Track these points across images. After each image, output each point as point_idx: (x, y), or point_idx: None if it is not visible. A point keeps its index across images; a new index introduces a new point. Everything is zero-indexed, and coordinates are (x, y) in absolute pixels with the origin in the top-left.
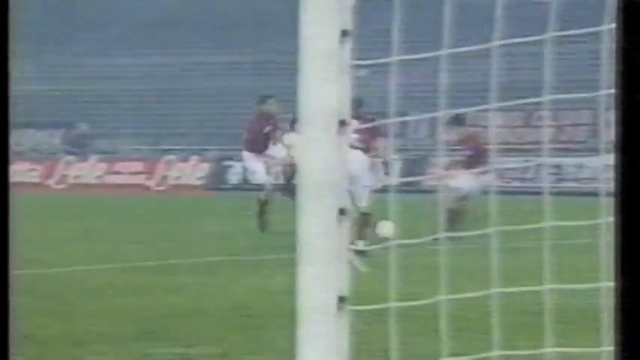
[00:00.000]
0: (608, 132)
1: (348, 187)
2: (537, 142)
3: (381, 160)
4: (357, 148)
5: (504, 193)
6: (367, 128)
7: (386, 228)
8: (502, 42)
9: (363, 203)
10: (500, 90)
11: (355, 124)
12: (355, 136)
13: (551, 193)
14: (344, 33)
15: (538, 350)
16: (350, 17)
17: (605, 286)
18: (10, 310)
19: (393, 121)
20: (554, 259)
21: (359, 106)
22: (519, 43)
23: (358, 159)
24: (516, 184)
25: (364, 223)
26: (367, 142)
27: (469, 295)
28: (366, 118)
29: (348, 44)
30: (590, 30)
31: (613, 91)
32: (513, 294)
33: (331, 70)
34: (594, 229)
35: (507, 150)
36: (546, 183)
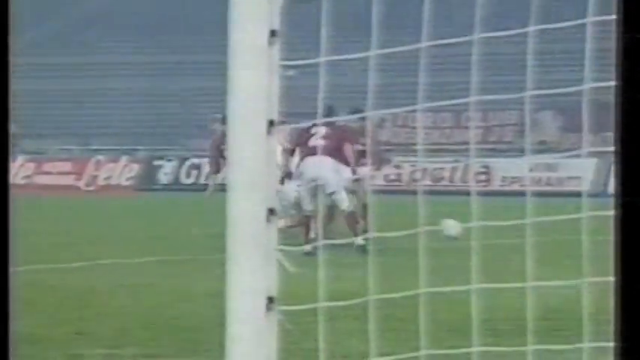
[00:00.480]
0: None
1: (331, 192)
2: (466, 143)
3: (349, 163)
4: (326, 153)
5: (433, 193)
6: (335, 133)
7: (453, 227)
8: (430, 43)
9: (345, 204)
10: (429, 90)
11: (323, 130)
12: (323, 142)
13: (479, 194)
14: (273, 33)
15: (466, 349)
16: (279, 17)
17: (531, 285)
18: (10, 310)
19: (323, 120)
20: (484, 258)
21: (329, 114)
22: (448, 44)
23: (327, 164)
24: (445, 183)
25: (353, 221)
26: (336, 147)
27: (399, 294)
28: (334, 124)
29: (277, 44)
30: (518, 31)
31: (538, 92)
32: (444, 293)
33: (260, 69)
34: (521, 229)
35: (436, 150)
36: (473, 183)
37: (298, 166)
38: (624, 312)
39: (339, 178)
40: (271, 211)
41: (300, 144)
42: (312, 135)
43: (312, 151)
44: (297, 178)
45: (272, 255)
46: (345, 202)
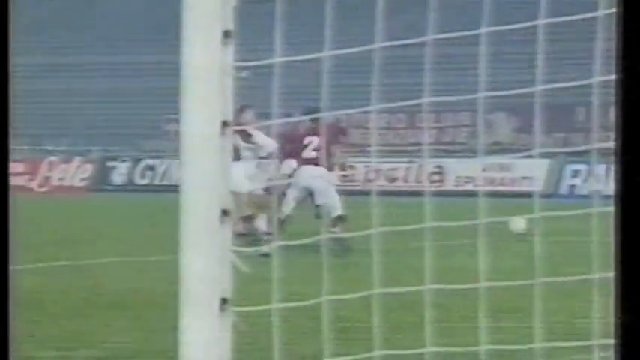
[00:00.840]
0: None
1: (322, 203)
2: (420, 143)
3: (340, 170)
4: (318, 164)
5: (387, 194)
6: (327, 141)
7: (519, 223)
8: (383, 44)
9: (338, 212)
10: (383, 91)
11: (316, 140)
12: (315, 153)
13: (434, 194)
14: (226, 34)
15: (419, 350)
16: (232, 18)
17: (484, 285)
18: (9, 309)
19: (277, 122)
20: (436, 259)
21: (318, 119)
22: (401, 45)
23: (322, 174)
24: (399, 184)
25: (337, 225)
26: (329, 156)
27: (352, 295)
28: (321, 133)
29: (231, 45)
30: (469, 33)
31: (491, 93)
32: (398, 294)
33: (213, 71)
34: (474, 230)
35: (391, 151)
36: (427, 184)
37: (292, 175)
38: (623, 308)
39: (330, 189)
40: (224, 212)
41: (295, 154)
42: (306, 146)
43: (308, 162)
44: (292, 186)
45: (226, 255)
46: (337, 210)
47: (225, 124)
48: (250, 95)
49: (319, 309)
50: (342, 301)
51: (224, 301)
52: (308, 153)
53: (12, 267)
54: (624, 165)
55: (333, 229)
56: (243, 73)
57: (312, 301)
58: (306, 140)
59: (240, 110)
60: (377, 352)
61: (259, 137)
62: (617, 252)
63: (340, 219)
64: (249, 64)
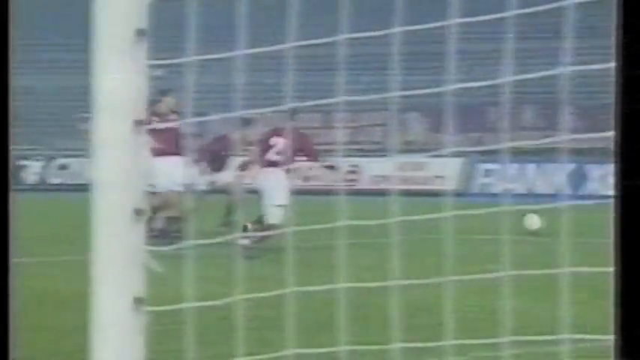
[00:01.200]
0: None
1: (266, 204)
2: (335, 142)
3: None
4: (278, 166)
5: (302, 192)
6: (292, 144)
7: (534, 220)
8: (296, 44)
9: (275, 220)
10: (297, 90)
11: (281, 142)
12: (278, 157)
13: (349, 193)
14: (139, 32)
15: (333, 348)
16: (146, 16)
17: (395, 284)
18: (9, 310)
19: (192, 120)
20: (352, 258)
21: (293, 115)
22: (313, 45)
23: (278, 177)
24: (314, 182)
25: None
26: (290, 159)
27: (265, 294)
28: (291, 134)
29: (144, 43)
30: (383, 32)
31: (404, 92)
32: (314, 292)
33: (126, 69)
34: (387, 228)
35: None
36: (342, 183)
37: (255, 177)
38: (623, 300)
39: (285, 193)
40: (137, 212)
41: (259, 155)
42: (271, 147)
43: (269, 164)
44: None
45: (139, 255)
46: (278, 218)
47: (138, 122)
48: (164, 93)
49: (234, 309)
50: (256, 300)
51: (137, 300)
52: (270, 155)
53: (12, 266)
54: (624, 165)
55: (248, 229)
56: (158, 72)
57: (225, 301)
58: (272, 142)
59: (160, 98)
60: (290, 351)
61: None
62: (617, 252)
63: (272, 226)
64: (163, 62)
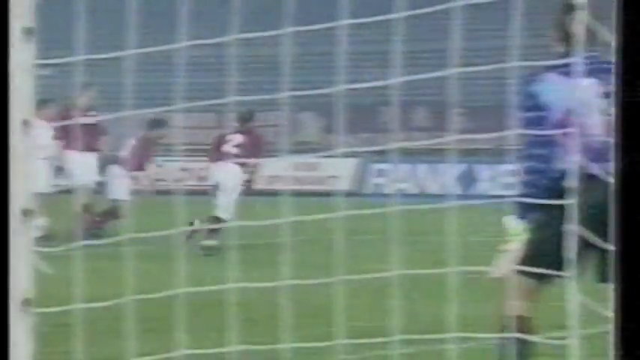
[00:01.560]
0: (297, 133)
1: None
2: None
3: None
4: (237, 161)
5: (197, 193)
6: (249, 140)
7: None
8: (185, 44)
9: (227, 214)
10: (190, 91)
11: (239, 138)
12: (235, 150)
13: (244, 193)
14: (26, 31)
15: (224, 349)
16: (33, 15)
17: (286, 284)
18: (9, 309)
19: (76, 122)
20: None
21: (247, 120)
22: (205, 45)
23: (234, 172)
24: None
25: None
26: (247, 154)
27: (154, 295)
28: (249, 131)
29: (31, 42)
30: (274, 33)
31: (296, 92)
32: (205, 292)
33: (13, 68)
34: (277, 228)
35: (201, 150)
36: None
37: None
38: (624, 311)
39: (235, 188)
40: (25, 212)
41: (215, 148)
42: (227, 142)
43: (223, 157)
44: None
45: (27, 256)
46: (225, 212)
47: (25, 122)
48: (53, 92)
49: (125, 309)
50: (147, 301)
51: (25, 302)
52: (227, 148)
53: (12, 266)
54: (624, 165)
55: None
56: (46, 72)
57: (115, 301)
58: (228, 137)
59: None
60: (179, 352)
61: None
62: (617, 252)
63: (217, 220)
64: (51, 61)
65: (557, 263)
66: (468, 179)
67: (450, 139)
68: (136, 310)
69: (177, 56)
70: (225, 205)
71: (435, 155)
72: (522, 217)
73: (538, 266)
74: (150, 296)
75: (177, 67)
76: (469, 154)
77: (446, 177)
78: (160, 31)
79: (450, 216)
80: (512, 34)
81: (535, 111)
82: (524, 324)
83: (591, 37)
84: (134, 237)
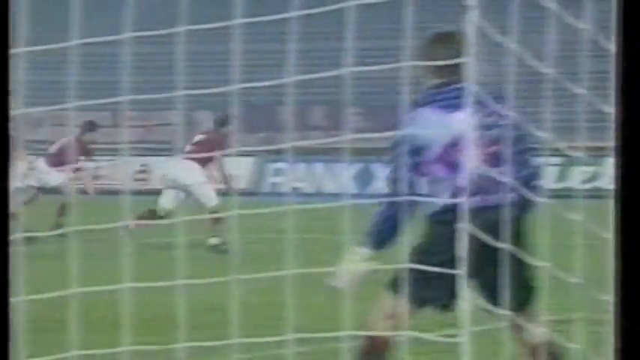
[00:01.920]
0: (194, 132)
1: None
2: (125, 142)
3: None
4: (194, 159)
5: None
6: (208, 140)
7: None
8: (79, 41)
9: (213, 202)
10: (85, 89)
11: (201, 137)
12: (194, 147)
13: (139, 192)
14: None
15: (116, 349)
16: None
17: (181, 284)
18: (9, 310)
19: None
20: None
21: (221, 125)
22: (99, 42)
23: (192, 170)
24: (104, 181)
25: (215, 220)
26: (205, 155)
27: (48, 295)
28: (215, 133)
29: None
30: (166, 31)
31: (190, 92)
32: (100, 292)
33: None
34: (172, 227)
35: (96, 149)
36: (132, 181)
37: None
38: (623, 309)
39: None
40: None
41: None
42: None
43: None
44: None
45: None
46: (165, 204)
47: None
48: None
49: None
50: (39, 301)
51: None
52: (188, 147)
53: (12, 267)
54: (624, 164)
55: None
56: None
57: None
58: (197, 137)
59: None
60: (74, 352)
61: None
62: (617, 252)
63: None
64: None
65: (438, 292)
66: (364, 178)
67: (346, 138)
68: (29, 311)
69: (70, 54)
70: (165, 199)
71: (331, 154)
72: (376, 249)
73: (419, 290)
74: (40, 296)
75: (70, 65)
76: (366, 154)
77: (342, 176)
78: (52, 30)
79: (345, 215)
80: (405, 34)
81: (412, 153)
82: (378, 342)
83: (482, 38)
84: (64, 232)
